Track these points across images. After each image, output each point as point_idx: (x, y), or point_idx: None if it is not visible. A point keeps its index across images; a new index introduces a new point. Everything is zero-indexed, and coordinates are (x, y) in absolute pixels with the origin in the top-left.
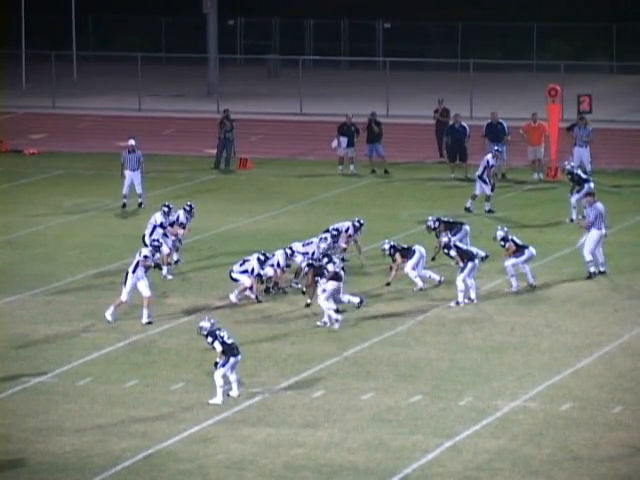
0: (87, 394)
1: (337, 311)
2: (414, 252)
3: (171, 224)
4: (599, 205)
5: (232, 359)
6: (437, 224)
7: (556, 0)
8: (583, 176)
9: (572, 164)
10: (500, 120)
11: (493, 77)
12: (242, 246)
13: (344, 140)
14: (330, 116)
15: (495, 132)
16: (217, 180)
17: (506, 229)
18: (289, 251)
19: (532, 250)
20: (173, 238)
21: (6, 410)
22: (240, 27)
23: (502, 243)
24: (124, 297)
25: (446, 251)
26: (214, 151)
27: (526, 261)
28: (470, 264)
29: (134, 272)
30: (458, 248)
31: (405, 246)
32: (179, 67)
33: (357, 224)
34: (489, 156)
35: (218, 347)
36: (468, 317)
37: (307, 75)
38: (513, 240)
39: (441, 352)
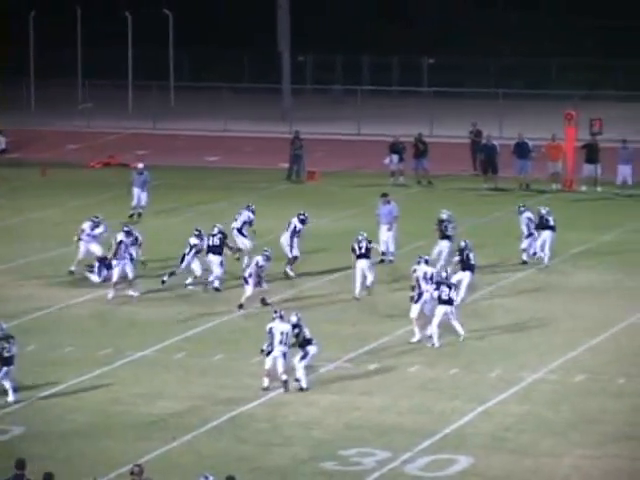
0: (182, 366)
1: None
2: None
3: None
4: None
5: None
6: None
7: (571, 39)
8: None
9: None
10: (525, 139)
11: (519, 104)
12: (308, 245)
13: (395, 157)
14: (383, 136)
15: (521, 150)
16: (289, 189)
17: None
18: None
19: None
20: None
21: (116, 377)
22: (309, 62)
23: None
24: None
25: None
26: (287, 165)
27: None
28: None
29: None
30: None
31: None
32: (258, 95)
33: (302, 217)
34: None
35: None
36: (498, 304)
37: (364, 102)
38: None
39: (476, 333)
